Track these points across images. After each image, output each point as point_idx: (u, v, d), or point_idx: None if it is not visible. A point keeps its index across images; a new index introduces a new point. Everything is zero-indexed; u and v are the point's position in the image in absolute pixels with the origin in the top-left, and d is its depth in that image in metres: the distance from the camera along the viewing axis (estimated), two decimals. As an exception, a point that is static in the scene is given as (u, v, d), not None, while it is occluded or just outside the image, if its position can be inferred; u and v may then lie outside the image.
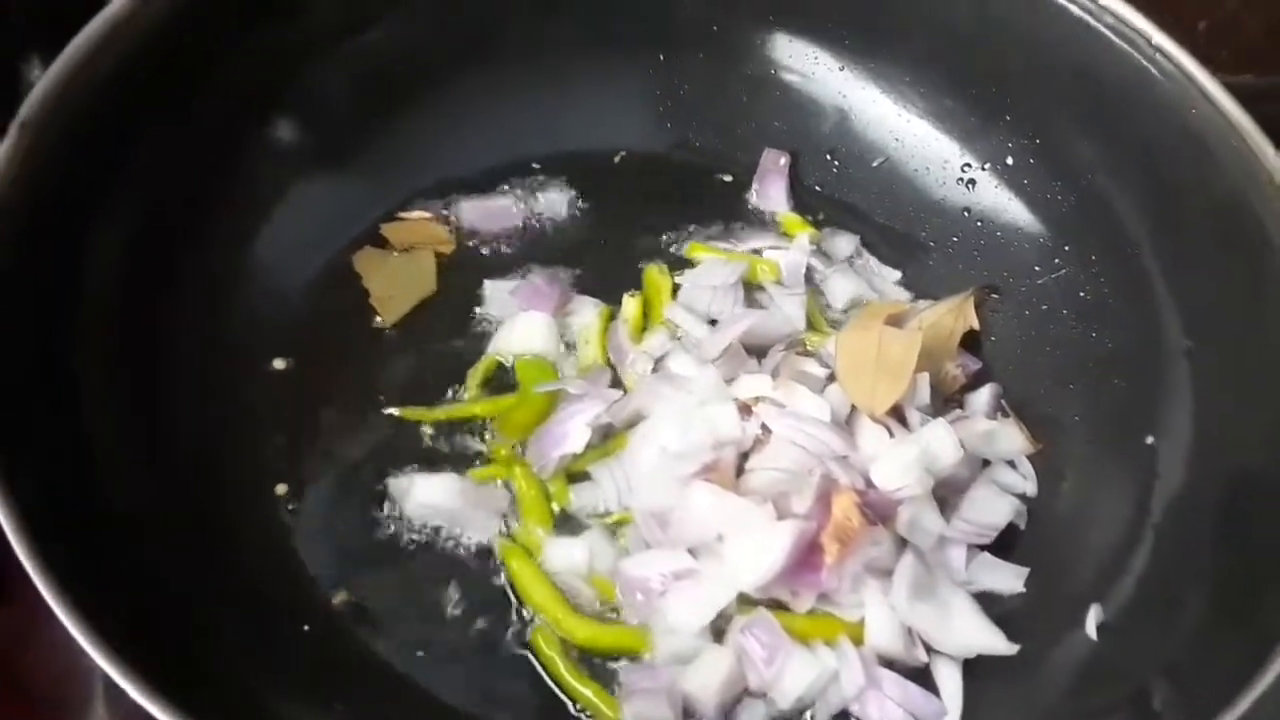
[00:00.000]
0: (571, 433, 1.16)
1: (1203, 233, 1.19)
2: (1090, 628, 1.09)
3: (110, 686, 1.02)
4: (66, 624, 0.84)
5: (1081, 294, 1.29)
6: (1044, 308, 1.31)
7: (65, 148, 1.03)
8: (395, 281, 1.28)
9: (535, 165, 1.38)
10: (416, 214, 1.34)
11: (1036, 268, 1.32)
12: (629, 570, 1.10)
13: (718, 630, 1.08)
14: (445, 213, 1.34)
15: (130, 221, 1.10)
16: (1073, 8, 1.24)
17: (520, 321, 1.25)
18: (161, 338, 1.13)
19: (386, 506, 1.14)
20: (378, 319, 1.26)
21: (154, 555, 1.01)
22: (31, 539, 0.87)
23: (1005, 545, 1.17)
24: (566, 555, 1.11)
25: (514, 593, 1.10)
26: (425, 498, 1.13)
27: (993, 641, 1.10)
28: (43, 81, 1.00)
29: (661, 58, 1.41)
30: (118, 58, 1.07)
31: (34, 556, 0.86)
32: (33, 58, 1.07)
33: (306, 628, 1.07)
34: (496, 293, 1.28)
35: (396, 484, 1.15)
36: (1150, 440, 1.18)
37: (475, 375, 1.23)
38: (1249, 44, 1.49)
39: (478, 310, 1.28)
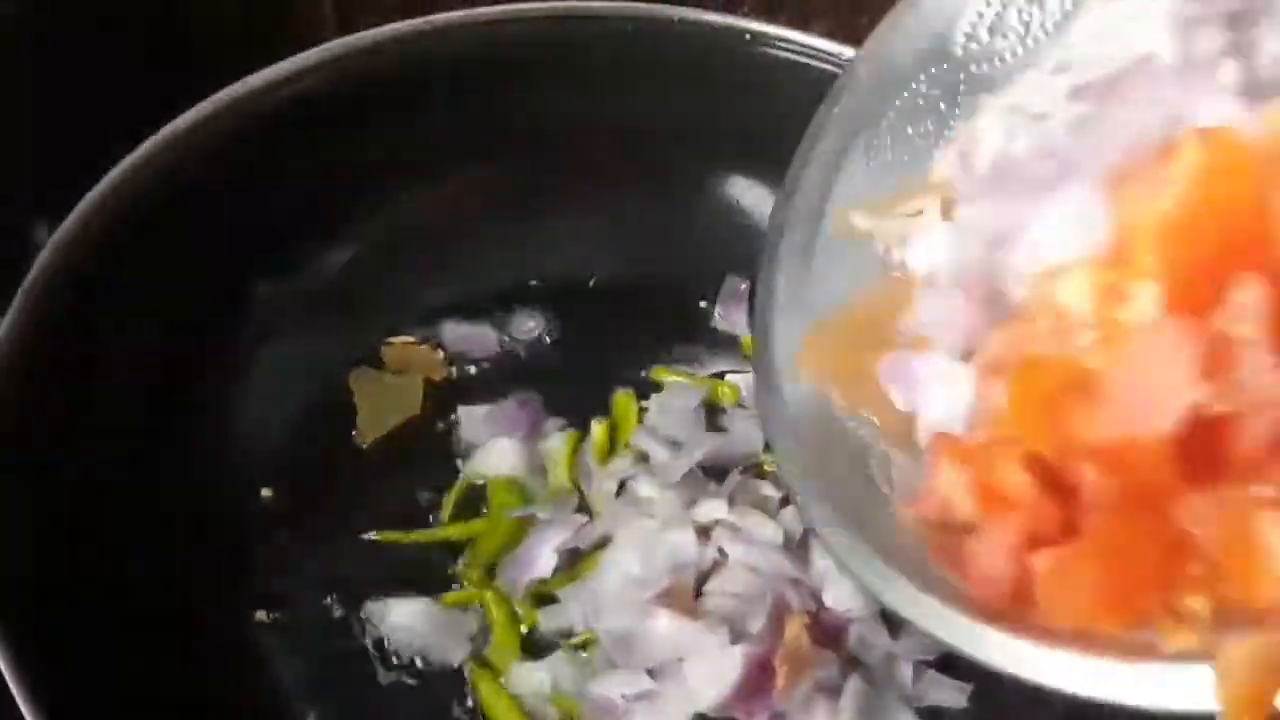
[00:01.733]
0: (540, 559, 1.24)
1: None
2: None
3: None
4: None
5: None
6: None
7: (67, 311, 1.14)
8: (383, 402, 1.37)
9: (509, 291, 1.47)
10: (401, 339, 1.42)
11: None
12: (594, 691, 1.17)
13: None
14: (430, 337, 1.43)
15: (126, 372, 1.21)
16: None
17: (494, 446, 1.33)
18: (151, 468, 1.22)
19: (363, 628, 1.22)
20: (360, 441, 1.35)
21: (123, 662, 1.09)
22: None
23: (950, 661, 1.23)
24: (530, 679, 1.19)
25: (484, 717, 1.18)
26: (399, 620, 1.21)
27: (938, 758, 1.16)
28: (43, 252, 1.10)
29: (628, 192, 1.49)
30: (117, 221, 1.17)
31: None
32: (42, 223, 1.16)
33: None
34: (471, 418, 1.36)
35: (373, 608, 1.23)
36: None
37: (450, 499, 1.31)
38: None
39: (455, 433, 1.36)
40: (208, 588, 1.21)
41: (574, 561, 1.26)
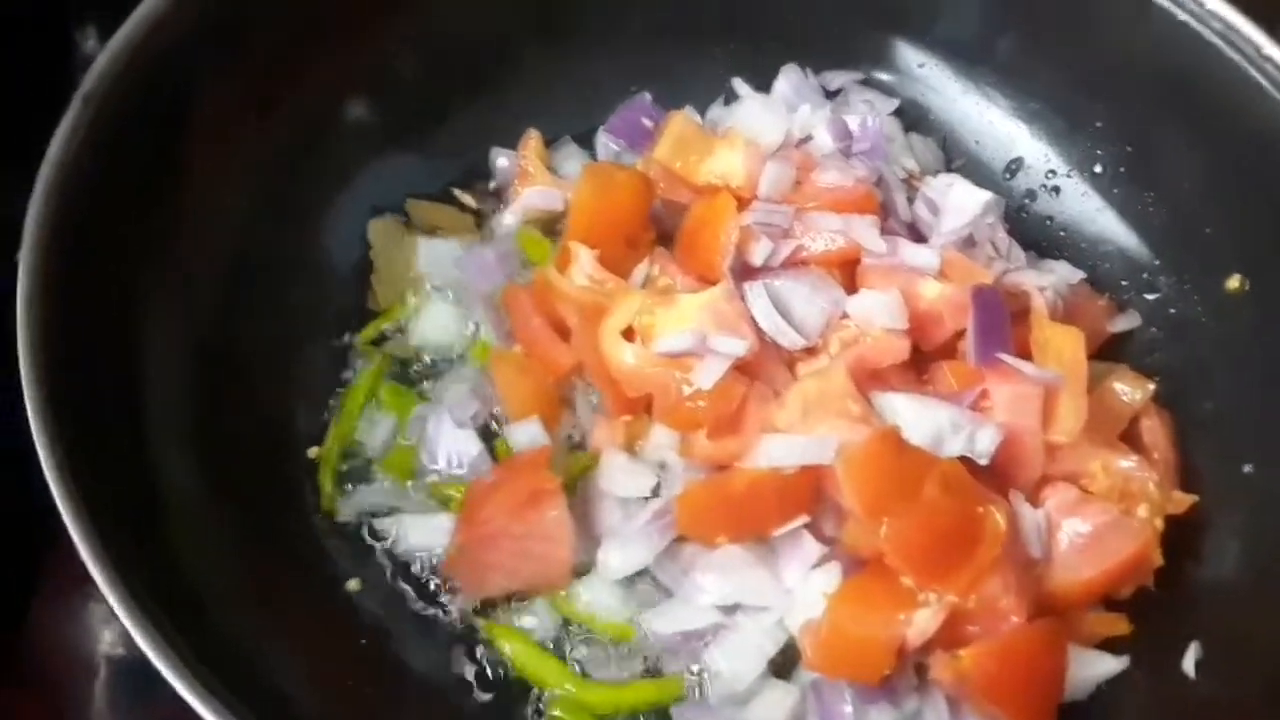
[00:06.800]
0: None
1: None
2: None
3: (116, 676, 1.11)
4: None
5: (1172, 311, 1.24)
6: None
7: (130, 121, 1.00)
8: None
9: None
10: (465, 196, 1.31)
11: (1124, 281, 1.26)
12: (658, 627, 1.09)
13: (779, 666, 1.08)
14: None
15: (195, 199, 1.08)
16: (1178, 11, 1.16)
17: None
18: (224, 317, 1.13)
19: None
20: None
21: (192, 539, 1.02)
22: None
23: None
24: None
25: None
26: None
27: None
28: (105, 53, 0.95)
29: (731, 47, 1.35)
30: (184, 27, 1.03)
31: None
32: (89, 28, 1.01)
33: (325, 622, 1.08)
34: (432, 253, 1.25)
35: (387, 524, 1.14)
36: (1248, 469, 1.13)
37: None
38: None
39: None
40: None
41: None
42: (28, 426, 0.89)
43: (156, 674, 0.89)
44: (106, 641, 1.14)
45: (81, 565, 0.88)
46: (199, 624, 0.92)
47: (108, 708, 1.12)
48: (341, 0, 1.16)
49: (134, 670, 1.12)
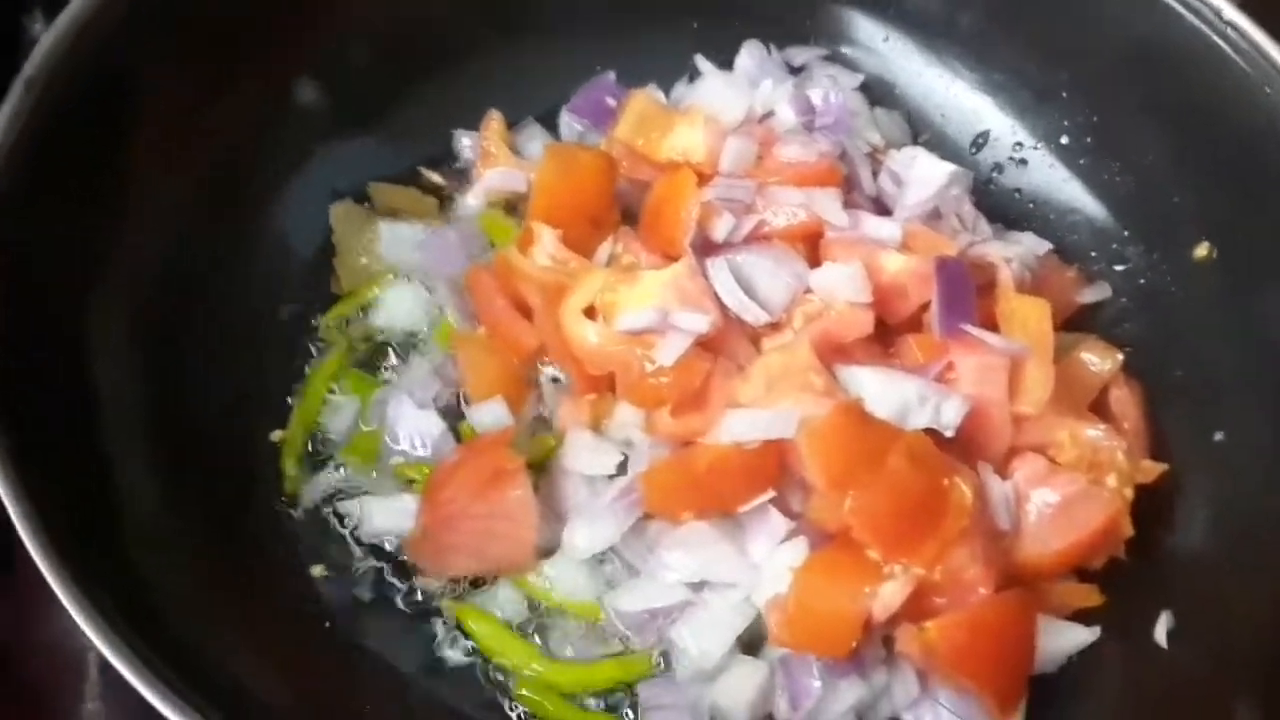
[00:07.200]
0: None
1: (1273, 220, 1.13)
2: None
3: (105, 675, 1.09)
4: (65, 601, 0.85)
5: (1141, 281, 1.23)
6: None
7: (74, 106, 0.98)
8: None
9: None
10: (433, 174, 1.30)
11: (1093, 253, 1.25)
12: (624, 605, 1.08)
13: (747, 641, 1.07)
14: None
15: (142, 184, 1.06)
16: (1139, -23, 1.17)
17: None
18: (178, 305, 1.12)
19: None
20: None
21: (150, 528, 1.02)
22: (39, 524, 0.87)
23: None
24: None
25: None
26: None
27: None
28: (48, 35, 0.94)
29: (695, 25, 1.34)
30: (129, 9, 1.02)
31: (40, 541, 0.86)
32: (35, 10, 1.00)
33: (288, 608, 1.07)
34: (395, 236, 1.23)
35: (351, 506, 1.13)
36: (1219, 437, 1.13)
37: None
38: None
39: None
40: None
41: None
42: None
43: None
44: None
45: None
46: (156, 620, 0.91)
47: (100, 708, 1.11)
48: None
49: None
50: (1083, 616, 1.08)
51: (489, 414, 1.12)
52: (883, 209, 1.20)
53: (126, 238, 1.07)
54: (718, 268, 1.09)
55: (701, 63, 1.31)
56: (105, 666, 1.09)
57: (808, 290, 1.10)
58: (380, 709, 1.03)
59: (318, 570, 1.09)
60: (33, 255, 0.97)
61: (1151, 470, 1.11)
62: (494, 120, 1.28)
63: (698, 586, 1.06)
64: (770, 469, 1.04)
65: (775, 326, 1.10)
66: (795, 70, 1.32)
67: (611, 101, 1.29)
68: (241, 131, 1.17)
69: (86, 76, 1.01)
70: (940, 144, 1.32)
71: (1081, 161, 1.28)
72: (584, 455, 1.11)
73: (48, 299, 0.99)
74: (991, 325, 1.11)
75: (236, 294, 1.16)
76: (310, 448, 1.15)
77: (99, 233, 1.04)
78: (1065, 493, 1.07)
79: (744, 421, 1.04)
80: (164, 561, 0.98)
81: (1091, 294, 1.24)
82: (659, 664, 1.07)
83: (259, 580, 1.07)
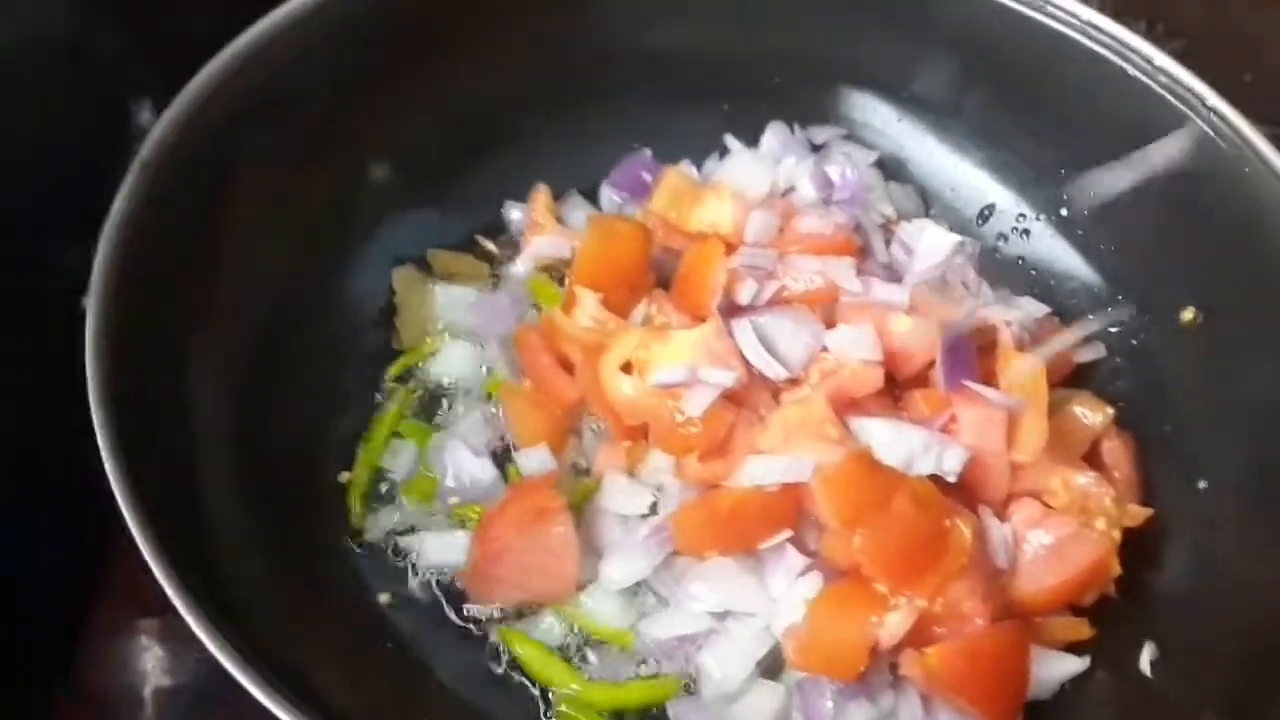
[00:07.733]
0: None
1: (1253, 287, 1.23)
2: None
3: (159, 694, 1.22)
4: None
5: (1132, 342, 1.34)
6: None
7: (181, 184, 1.13)
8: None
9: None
10: (486, 242, 1.43)
11: (1089, 315, 1.36)
12: (655, 632, 1.19)
13: (767, 666, 1.17)
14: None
15: (237, 252, 1.21)
16: (1129, 68, 1.27)
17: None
18: (264, 358, 1.25)
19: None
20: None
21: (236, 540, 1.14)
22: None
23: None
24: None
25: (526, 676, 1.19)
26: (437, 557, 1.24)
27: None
28: (160, 124, 1.09)
29: (726, 107, 1.47)
30: (230, 102, 1.16)
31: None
32: (144, 101, 1.14)
33: (357, 631, 1.19)
34: (450, 298, 1.36)
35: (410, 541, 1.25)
36: (1203, 485, 1.23)
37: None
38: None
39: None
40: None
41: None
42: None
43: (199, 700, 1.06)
44: (152, 673, 1.24)
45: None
46: (258, 640, 1.00)
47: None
48: (367, 76, 1.28)
49: (178, 698, 1.23)
50: (1074, 648, 1.17)
51: (534, 459, 1.24)
52: (894, 275, 1.32)
53: (223, 299, 1.20)
54: (742, 328, 1.20)
55: (731, 141, 1.44)
56: (162, 698, 1.23)
57: (824, 349, 1.21)
58: (436, 718, 1.15)
59: (384, 598, 1.21)
60: (143, 316, 1.09)
61: (1138, 515, 1.20)
62: (541, 193, 1.41)
63: (721, 616, 1.16)
64: (788, 510, 1.15)
65: (794, 382, 1.21)
66: (816, 147, 1.44)
67: (648, 177, 1.42)
68: (323, 206, 1.30)
69: (192, 159, 1.14)
70: (950, 215, 1.44)
71: (1079, 232, 1.38)
72: (619, 497, 1.22)
73: (157, 348, 1.11)
74: (992, 381, 1.21)
75: (312, 348, 1.29)
76: (374, 488, 1.27)
77: (199, 293, 1.17)
78: (1058, 534, 1.17)
79: (764, 467, 1.15)
80: (254, 590, 1.10)
81: (1087, 354, 1.34)
82: (686, 686, 1.17)
83: (331, 607, 1.18)
